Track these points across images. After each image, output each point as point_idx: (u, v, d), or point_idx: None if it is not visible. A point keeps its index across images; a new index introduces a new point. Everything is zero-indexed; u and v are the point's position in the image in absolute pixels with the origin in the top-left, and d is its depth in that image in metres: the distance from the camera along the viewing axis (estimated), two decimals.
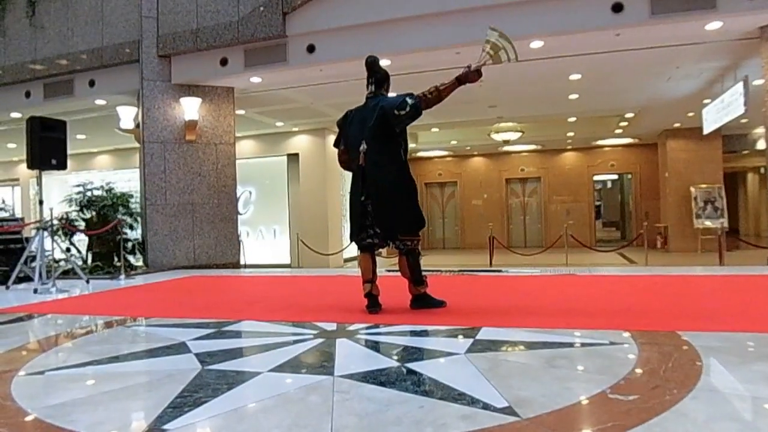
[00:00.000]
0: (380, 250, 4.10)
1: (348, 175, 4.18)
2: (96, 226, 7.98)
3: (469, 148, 17.44)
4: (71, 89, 8.95)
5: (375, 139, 3.86)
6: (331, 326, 3.46)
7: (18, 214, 13.14)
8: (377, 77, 4.07)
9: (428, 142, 16.48)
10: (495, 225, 15.03)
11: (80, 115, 10.05)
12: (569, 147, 17.60)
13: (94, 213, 8.28)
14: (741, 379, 2.19)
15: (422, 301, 4.01)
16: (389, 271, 7.40)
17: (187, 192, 8.31)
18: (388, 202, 3.82)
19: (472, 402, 1.96)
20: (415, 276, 3.95)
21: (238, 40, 7.63)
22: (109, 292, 5.91)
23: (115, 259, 7.98)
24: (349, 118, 4.12)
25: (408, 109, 3.77)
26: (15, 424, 1.94)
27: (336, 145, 4.29)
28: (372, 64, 4.08)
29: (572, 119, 13.45)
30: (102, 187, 8.78)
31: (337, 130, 4.32)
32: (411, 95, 3.83)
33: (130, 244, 8.23)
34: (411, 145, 16.36)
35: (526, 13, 6.51)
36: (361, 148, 3.88)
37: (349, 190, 4.12)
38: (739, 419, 1.79)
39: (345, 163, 4.20)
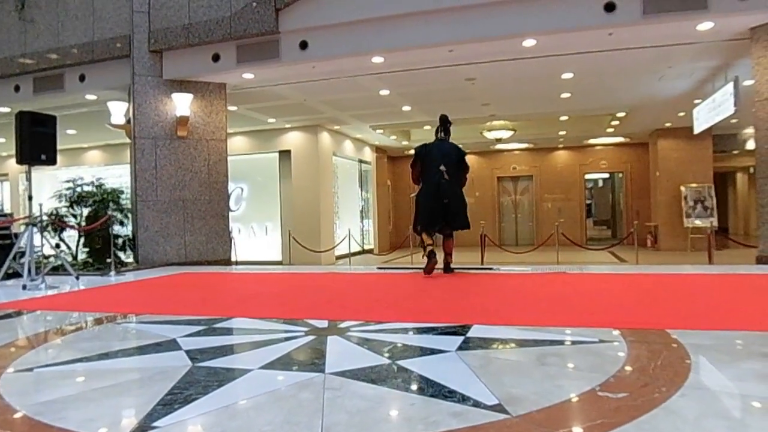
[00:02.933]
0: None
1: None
2: (91, 222, 7.94)
3: (461, 145, 17.45)
4: (61, 84, 8.87)
5: (452, 167, 5.80)
6: (323, 323, 3.45)
7: (7, 210, 13.03)
8: (447, 128, 6.16)
9: (421, 139, 16.37)
10: (486, 223, 15.05)
11: (70, 110, 9.96)
12: (561, 146, 17.66)
13: (90, 209, 8.22)
14: (730, 377, 2.21)
15: (450, 268, 6.04)
16: (380, 268, 7.41)
17: (178, 188, 8.27)
18: (460, 206, 5.86)
19: (463, 399, 1.96)
20: (451, 251, 6.03)
21: (231, 35, 7.59)
22: (100, 288, 5.88)
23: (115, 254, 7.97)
24: (428, 148, 5.99)
25: (466, 163, 6.16)
26: (3, 422, 1.92)
27: (413, 165, 6.02)
28: (445, 120, 6.18)
29: (564, 118, 13.50)
30: (92, 182, 8.71)
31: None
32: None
33: (120, 241, 8.18)
34: (403, 143, 16.46)
35: (519, 11, 6.52)
36: (441, 167, 5.72)
37: (420, 193, 5.97)
38: (727, 417, 1.81)
39: (417, 177, 6.02)
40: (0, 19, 9.21)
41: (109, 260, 7.45)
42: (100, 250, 8.04)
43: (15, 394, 2.21)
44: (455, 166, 5.84)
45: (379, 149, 17.55)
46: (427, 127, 14.78)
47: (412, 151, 6.30)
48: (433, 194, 5.74)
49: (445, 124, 6.12)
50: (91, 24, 8.57)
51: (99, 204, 8.25)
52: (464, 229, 5.96)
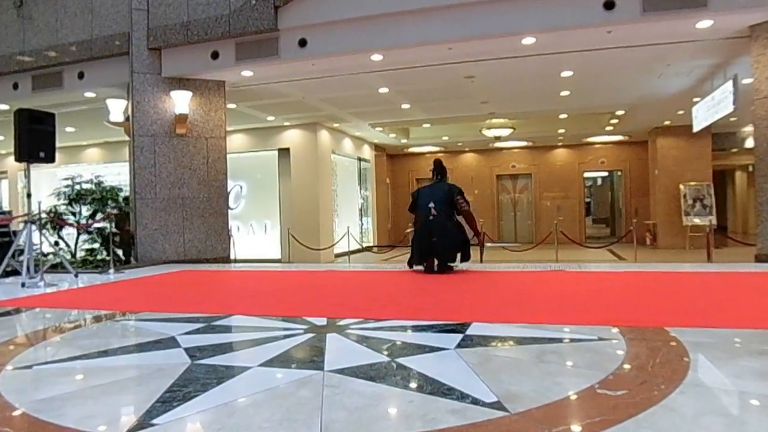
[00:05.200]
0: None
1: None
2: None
3: (460, 143, 17.47)
4: (60, 81, 8.85)
5: (440, 204, 5.97)
6: (322, 321, 3.46)
7: (6, 207, 13.02)
8: (440, 172, 6.33)
9: (420, 137, 16.48)
10: (486, 221, 15.07)
11: (69, 107, 9.94)
12: (560, 144, 17.66)
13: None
14: (728, 375, 2.22)
15: (448, 266, 6.05)
16: (379, 266, 7.41)
17: (177, 186, 8.26)
18: (448, 243, 5.91)
19: (462, 397, 1.96)
20: (446, 270, 6.04)
21: (230, 33, 7.58)
22: (98, 286, 5.88)
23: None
24: (421, 191, 6.27)
25: (461, 198, 6.11)
26: (2, 419, 1.92)
27: (410, 209, 6.31)
28: (439, 163, 6.39)
29: (563, 116, 13.49)
30: (91, 180, 8.71)
31: None
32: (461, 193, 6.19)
33: (117, 238, 8.18)
34: (402, 141, 16.45)
35: (519, 9, 6.52)
36: (430, 205, 5.95)
37: (414, 232, 6.19)
38: (725, 414, 1.81)
39: (413, 219, 6.30)
40: None
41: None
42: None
43: (14, 391, 2.21)
44: (444, 202, 6.01)
45: (378, 147, 17.54)
46: (426, 125, 14.80)
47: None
48: (422, 232, 6.02)
49: (438, 167, 6.39)
50: (89, 21, 8.56)
51: (98, 202, 8.24)
52: (453, 263, 6.09)
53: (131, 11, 8.08)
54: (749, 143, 14.36)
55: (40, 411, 1.96)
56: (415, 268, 6.24)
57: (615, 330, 2.98)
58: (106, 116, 8.75)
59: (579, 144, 17.52)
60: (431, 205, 5.95)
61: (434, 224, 5.91)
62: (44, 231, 7.00)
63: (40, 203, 6.49)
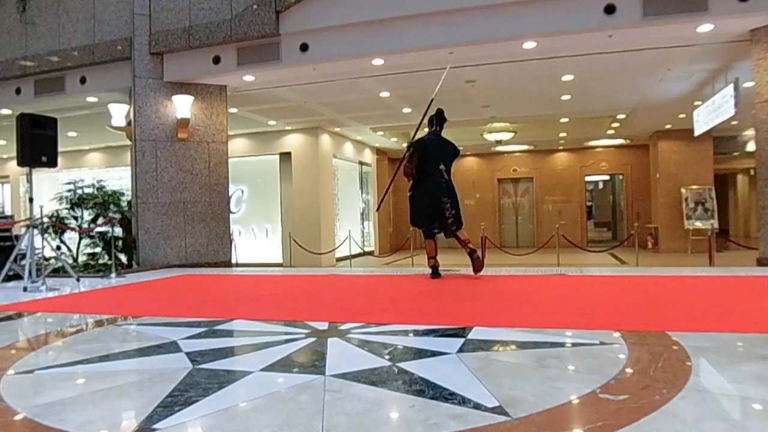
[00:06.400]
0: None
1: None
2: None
3: (461, 147, 17.45)
4: (62, 86, 8.88)
5: (449, 166, 5.86)
6: (323, 326, 3.45)
7: (8, 212, 13.04)
8: (442, 123, 6.04)
9: None
10: (487, 225, 15.05)
11: (71, 112, 9.98)
12: (561, 147, 17.66)
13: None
14: (730, 379, 2.21)
15: (477, 255, 5.74)
16: (380, 270, 7.41)
17: (178, 190, 8.27)
18: (457, 208, 5.81)
19: (463, 401, 1.96)
20: (468, 239, 5.83)
21: (231, 38, 7.61)
22: (100, 290, 5.88)
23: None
24: (426, 145, 5.87)
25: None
26: (3, 424, 1.92)
27: (410, 160, 5.88)
28: (442, 113, 6.09)
29: (564, 120, 13.49)
30: (93, 185, 8.72)
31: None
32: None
33: (121, 243, 8.19)
34: (403, 145, 16.44)
35: (520, 13, 6.53)
36: (441, 167, 5.74)
37: (419, 191, 5.92)
38: (727, 419, 1.80)
39: (411, 169, 5.92)
40: (1, 22, 9.23)
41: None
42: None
43: (15, 395, 2.21)
44: (450, 164, 5.91)
45: (379, 151, 17.56)
46: (427, 130, 14.79)
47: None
48: (433, 194, 5.75)
49: (441, 118, 6.07)
50: (91, 26, 8.59)
51: (100, 206, 8.26)
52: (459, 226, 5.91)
53: (133, 16, 8.12)
54: (751, 147, 14.35)
55: (41, 416, 1.96)
56: (428, 272, 5.91)
57: (616, 334, 2.97)
58: (108, 121, 8.78)
59: (580, 148, 17.53)
60: (442, 167, 5.77)
61: (447, 188, 5.76)
62: (46, 235, 7.01)
63: (42, 207, 6.50)
